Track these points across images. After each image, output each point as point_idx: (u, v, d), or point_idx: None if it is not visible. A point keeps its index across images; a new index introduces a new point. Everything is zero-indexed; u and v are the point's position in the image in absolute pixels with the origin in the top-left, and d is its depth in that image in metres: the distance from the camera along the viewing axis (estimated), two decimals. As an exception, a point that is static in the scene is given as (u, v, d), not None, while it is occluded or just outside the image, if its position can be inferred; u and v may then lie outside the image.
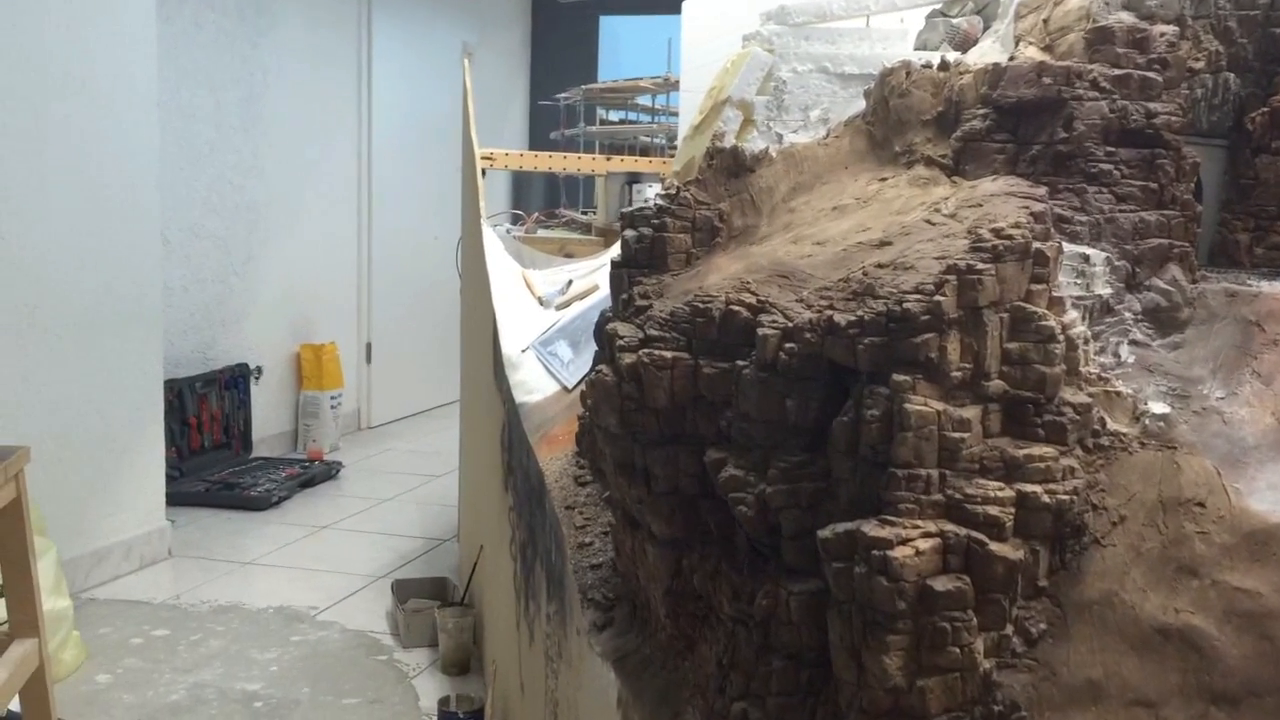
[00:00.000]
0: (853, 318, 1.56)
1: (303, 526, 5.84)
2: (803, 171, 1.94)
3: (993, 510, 1.46)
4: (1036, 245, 1.57)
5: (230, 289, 6.70)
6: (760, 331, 1.62)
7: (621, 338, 1.77)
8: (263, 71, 6.81)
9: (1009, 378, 1.55)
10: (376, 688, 4.06)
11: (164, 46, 5.99)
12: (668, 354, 1.71)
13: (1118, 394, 1.62)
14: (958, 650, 1.42)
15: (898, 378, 1.50)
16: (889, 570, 1.42)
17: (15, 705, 3.71)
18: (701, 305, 1.71)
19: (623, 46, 10.13)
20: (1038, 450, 1.51)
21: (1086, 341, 1.63)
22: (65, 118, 4.52)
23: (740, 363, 1.66)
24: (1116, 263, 1.73)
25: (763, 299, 1.68)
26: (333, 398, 7.23)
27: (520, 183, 9.13)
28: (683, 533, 1.79)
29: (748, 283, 1.72)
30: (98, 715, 3.76)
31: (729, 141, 2.09)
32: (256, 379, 6.88)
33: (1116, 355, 1.71)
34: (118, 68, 4.76)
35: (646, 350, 1.73)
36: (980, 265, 1.52)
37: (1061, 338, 1.56)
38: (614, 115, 7.41)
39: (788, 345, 1.60)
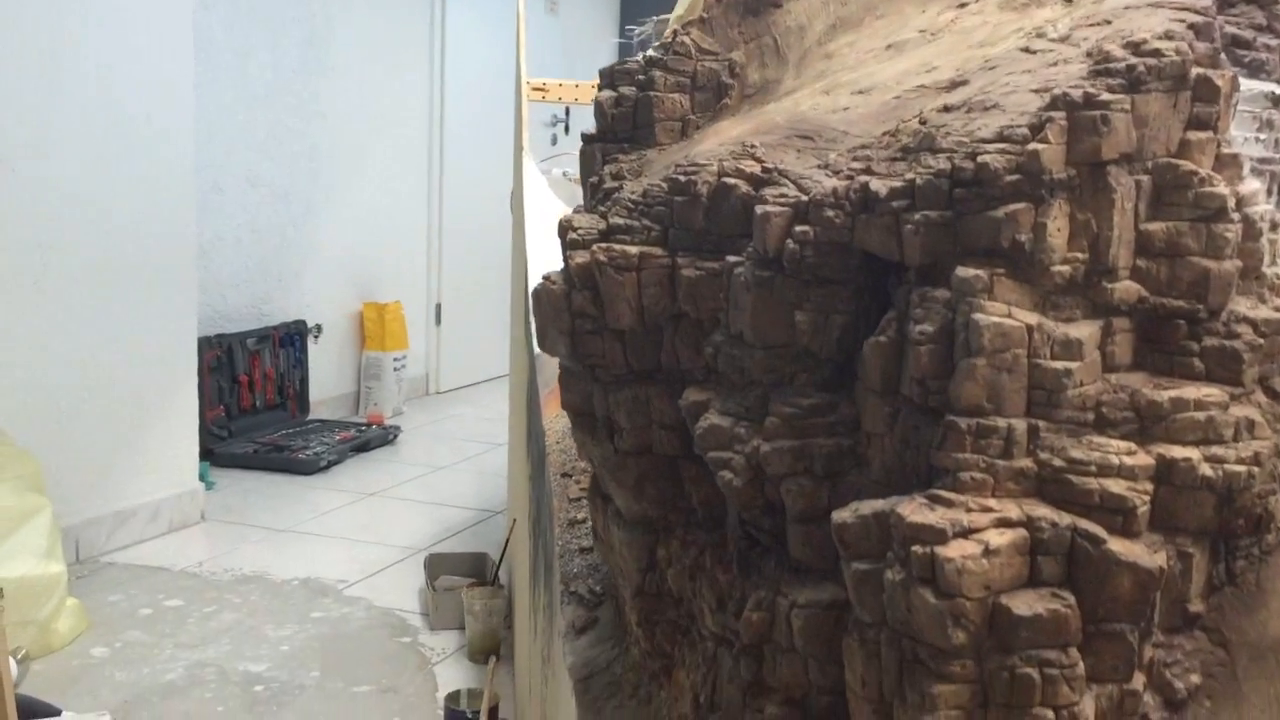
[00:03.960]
0: (899, 184, 1.00)
1: (349, 493, 5.45)
2: (846, 3, 1.38)
3: (1115, 487, 0.90)
4: (1198, 71, 1.00)
5: (288, 241, 6.33)
6: (760, 209, 1.07)
7: (576, 230, 1.24)
8: (325, 11, 6.40)
9: (1149, 277, 0.98)
10: (393, 674, 3.61)
11: (216, -20, 5.64)
12: (633, 249, 1.18)
13: (1325, 310, 1.04)
14: (1050, 715, 0.86)
15: (965, 272, 0.95)
16: (940, 578, 0.87)
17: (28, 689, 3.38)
18: (683, 179, 1.17)
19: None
20: (1193, 392, 0.94)
21: (1275, 227, 1.05)
22: (85, 39, 4.13)
23: (734, 259, 1.12)
24: (1324, 110, 1.14)
25: (771, 167, 1.13)
26: (396, 359, 6.83)
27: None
28: (658, 510, 1.25)
29: (752, 146, 1.17)
30: (81, 693, 3.39)
31: (748, -34, 1.53)
32: (315, 338, 6.51)
33: (1322, 251, 1.12)
34: (145, -12, 4.36)
35: (605, 245, 1.19)
36: (1106, 95, 0.95)
37: (1236, 216, 0.98)
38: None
39: (800, 229, 1.05)
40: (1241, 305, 0.98)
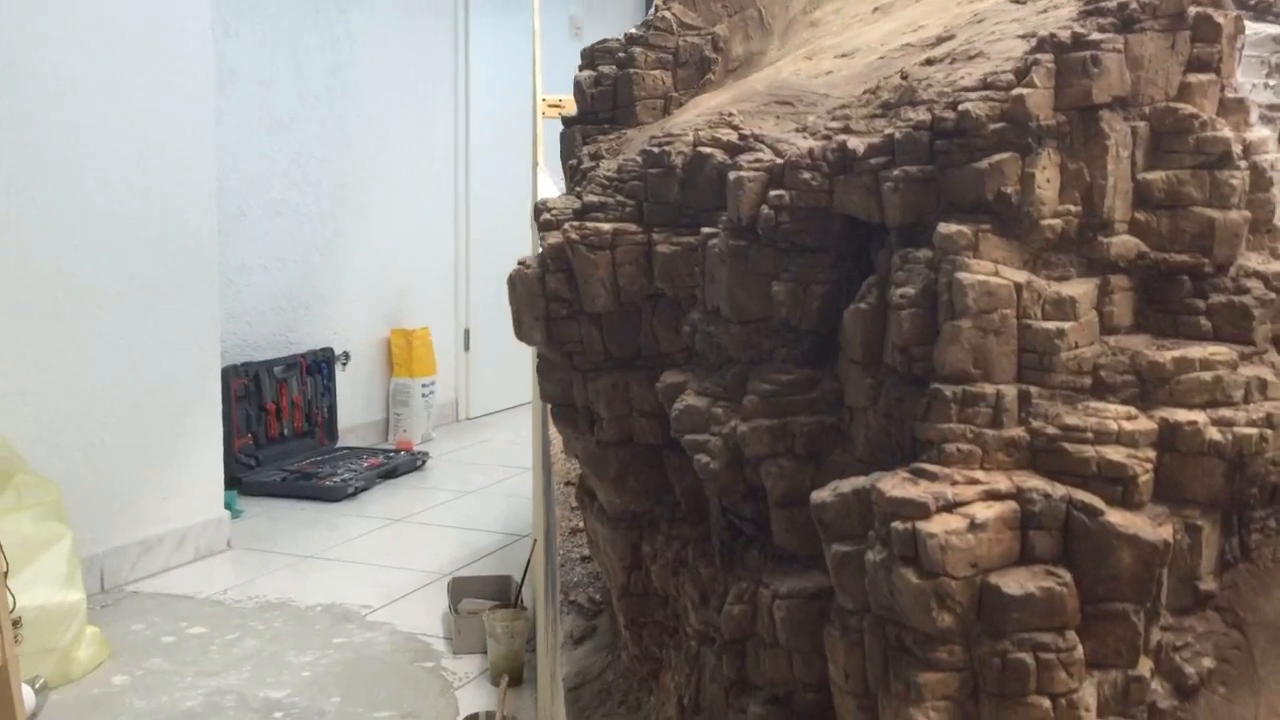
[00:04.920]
0: (877, 140, 0.94)
1: (376, 519, 5.41)
2: (834, -31, 1.33)
3: (1114, 454, 0.82)
4: (1197, 9, 0.93)
5: (314, 268, 6.33)
6: (733, 175, 1.01)
7: (549, 210, 1.19)
8: (349, 39, 6.43)
9: (1148, 231, 0.90)
10: (415, 699, 3.54)
11: (238, 9, 5.67)
12: (606, 226, 1.12)
13: (1344, 264, 0.96)
14: (1046, 703, 0.78)
15: (947, 228, 0.88)
16: (923, 556, 0.79)
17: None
18: (657, 150, 1.11)
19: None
20: (1199, 351, 0.86)
21: (1287, 177, 0.97)
22: (104, 65, 4.15)
23: (708, 230, 1.05)
24: (1339, 53, 1.07)
25: (748, 134, 1.07)
26: (424, 385, 6.80)
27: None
28: (641, 504, 1.19)
29: (729, 115, 1.11)
30: (100, 722, 3.35)
31: (731, -63, 1.47)
32: (343, 365, 6.50)
33: (1340, 203, 1.04)
34: (164, 15, 4.38)
35: (577, 223, 1.13)
36: (1096, 35, 0.88)
37: (1243, 164, 0.91)
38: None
39: (775, 194, 0.99)
40: (1253, 260, 0.90)
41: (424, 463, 6.25)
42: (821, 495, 0.88)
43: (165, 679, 3.61)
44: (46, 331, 4.02)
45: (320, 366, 6.30)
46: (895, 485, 0.83)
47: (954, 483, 0.82)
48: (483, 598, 4.06)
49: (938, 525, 0.79)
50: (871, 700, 0.85)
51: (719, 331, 1.03)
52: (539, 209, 1.19)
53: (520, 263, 1.21)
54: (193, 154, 4.55)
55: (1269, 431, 0.82)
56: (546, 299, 1.16)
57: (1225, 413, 0.82)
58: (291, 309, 6.21)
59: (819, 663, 0.93)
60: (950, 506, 0.80)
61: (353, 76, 6.46)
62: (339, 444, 6.39)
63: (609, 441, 1.17)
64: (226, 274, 5.42)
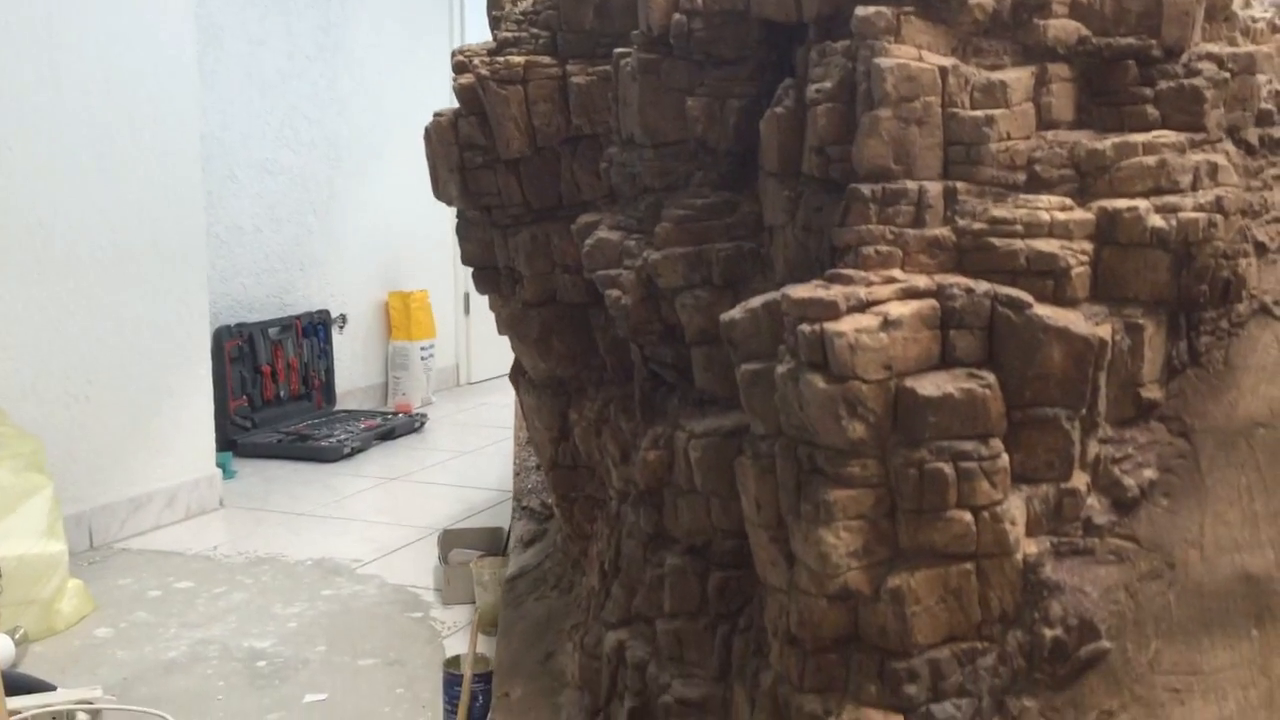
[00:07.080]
0: (794, -70, 0.85)
1: (371, 478, 5.34)
2: None
3: (1045, 246, 0.73)
4: None
5: (309, 230, 6.25)
6: (643, -16, 0.92)
7: (463, 53, 1.10)
8: (340, -4, 6.33)
9: (1090, 14, 0.81)
10: (401, 647, 3.47)
11: (227, -34, 5.59)
12: (518, 58, 1.03)
13: (1311, 53, 0.86)
14: (968, 517, 0.70)
15: (864, 11, 0.79)
16: (832, 359, 0.71)
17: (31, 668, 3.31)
18: (572, -25, 1.02)
19: None
20: (1141, 136, 0.77)
21: (1248, -38, 0.88)
22: (84, 18, 4.07)
23: (621, 50, 0.97)
24: None
25: (665, -51, 0.98)
26: (423, 349, 6.73)
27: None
28: (567, 369, 1.11)
29: (650, -65, 1.02)
30: (81, 671, 3.29)
31: None
32: (340, 328, 6.42)
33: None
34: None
35: (487, 59, 1.05)
36: None
37: (1195, -61, 0.81)
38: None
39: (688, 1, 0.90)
40: (1208, 46, 0.81)
41: (422, 425, 6.18)
42: (731, 314, 0.80)
43: (149, 631, 3.56)
44: (28, 286, 3.95)
45: (317, 329, 6.23)
46: (805, 290, 0.75)
47: (869, 284, 0.73)
48: (473, 549, 3.99)
49: (847, 325, 0.71)
50: (784, 532, 0.77)
51: (633, 159, 0.95)
52: (454, 54, 1.11)
53: (436, 114, 1.13)
54: (175, 109, 4.47)
55: (1218, 217, 0.73)
56: (460, 147, 1.08)
57: (1170, 199, 0.74)
58: (286, 270, 6.14)
59: (736, 507, 0.85)
60: (862, 306, 0.72)
61: (344, 34, 6.36)
62: (337, 407, 6.33)
63: (531, 301, 1.09)
64: (218, 234, 5.36)
